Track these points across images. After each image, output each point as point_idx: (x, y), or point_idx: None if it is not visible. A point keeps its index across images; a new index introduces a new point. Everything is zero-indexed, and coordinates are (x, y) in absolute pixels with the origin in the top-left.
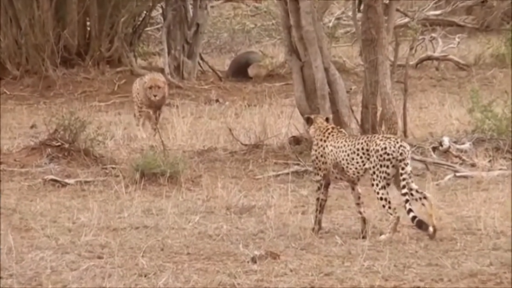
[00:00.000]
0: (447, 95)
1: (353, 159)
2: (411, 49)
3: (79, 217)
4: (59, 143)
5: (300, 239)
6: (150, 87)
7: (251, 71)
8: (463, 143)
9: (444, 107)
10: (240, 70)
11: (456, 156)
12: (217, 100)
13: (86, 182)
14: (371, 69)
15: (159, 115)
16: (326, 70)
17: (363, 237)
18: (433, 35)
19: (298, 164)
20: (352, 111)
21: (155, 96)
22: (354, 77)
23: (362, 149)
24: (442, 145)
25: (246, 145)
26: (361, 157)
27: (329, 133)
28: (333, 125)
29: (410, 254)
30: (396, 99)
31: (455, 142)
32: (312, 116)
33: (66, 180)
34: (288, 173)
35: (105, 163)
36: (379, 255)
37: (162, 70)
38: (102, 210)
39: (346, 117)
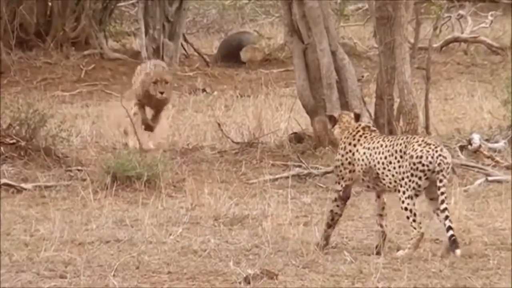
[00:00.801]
0: (477, 84)
1: (390, 163)
2: (434, 29)
3: (38, 228)
4: (14, 141)
5: (301, 255)
6: (155, 82)
7: (244, 55)
8: (497, 142)
9: (473, 98)
10: (231, 54)
11: (488, 157)
12: (203, 90)
13: (46, 187)
14: (387, 52)
15: (158, 116)
16: (334, 54)
17: (378, 253)
18: (461, 12)
19: (299, 166)
20: (365, 102)
21: (161, 93)
22: (367, 63)
23: (401, 151)
24: (471, 144)
25: (238, 143)
26: (399, 161)
27: (360, 134)
28: (364, 123)
29: (433, 274)
30: (416, 89)
31: (487, 140)
32: (336, 114)
33: (23, 185)
34: (287, 177)
35: (70, 165)
36: (395, 274)
37: (138, 54)
38: (66, 220)
39: (357, 109)
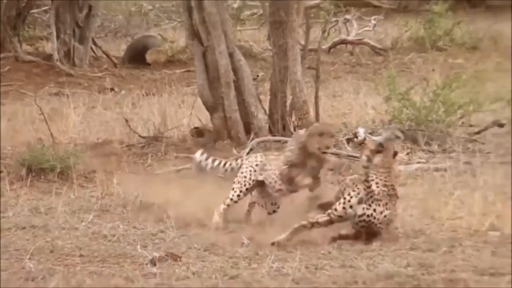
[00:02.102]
0: (362, 82)
1: None
2: (323, 32)
3: None
4: None
5: (203, 239)
6: (321, 134)
7: (149, 57)
8: (379, 135)
9: (359, 95)
10: (137, 56)
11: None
12: (112, 89)
13: None
14: (280, 54)
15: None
16: (231, 55)
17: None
18: (347, 17)
19: None
20: (260, 100)
21: (327, 147)
22: (262, 63)
23: None
24: (357, 137)
25: (144, 137)
26: None
27: None
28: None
29: (322, 255)
30: (307, 87)
31: (370, 133)
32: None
33: None
34: (190, 168)
35: None
36: (289, 256)
37: (50, 56)
38: None
39: (253, 106)
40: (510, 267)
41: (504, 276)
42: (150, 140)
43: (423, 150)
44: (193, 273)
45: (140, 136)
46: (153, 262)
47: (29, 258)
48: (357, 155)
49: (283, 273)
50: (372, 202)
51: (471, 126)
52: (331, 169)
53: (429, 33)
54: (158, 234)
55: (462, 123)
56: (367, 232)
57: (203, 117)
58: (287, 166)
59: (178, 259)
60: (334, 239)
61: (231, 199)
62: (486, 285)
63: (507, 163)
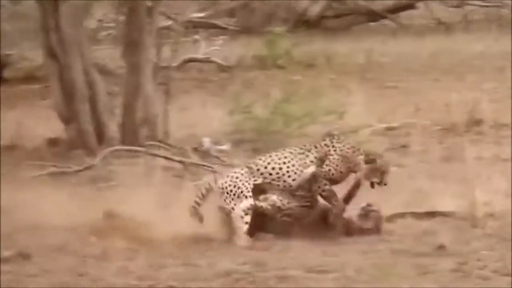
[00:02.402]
0: (208, 96)
1: None
2: (173, 51)
3: None
4: None
5: (54, 239)
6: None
7: (7, 73)
8: (223, 144)
9: (205, 108)
10: None
11: (215, 157)
12: None
13: None
14: (133, 71)
15: None
16: (87, 72)
17: None
18: (196, 37)
19: (55, 166)
20: (113, 112)
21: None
22: (116, 79)
23: None
24: (202, 146)
25: None
26: None
27: None
28: None
29: (166, 254)
30: (158, 101)
31: (215, 144)
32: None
33: None
34: (43, 175)
35: None
36: (135, 255)
37: None
38: None
39: (107, 118)
40: (335, 265)
41: (329, 274)
42: (6, 148)
43: None
44: (43, 271)
45: None
46: (4, 261)
47: None
48: (203, 163)
49: (129, 270)
50: None
51: (306, 136)
52: None
53: (270, 52)
54: (10, 234)
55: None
56: None
57: (58, 128)
58: None
59: (29, 258)
60: None
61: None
62: (314, 282)
63: None
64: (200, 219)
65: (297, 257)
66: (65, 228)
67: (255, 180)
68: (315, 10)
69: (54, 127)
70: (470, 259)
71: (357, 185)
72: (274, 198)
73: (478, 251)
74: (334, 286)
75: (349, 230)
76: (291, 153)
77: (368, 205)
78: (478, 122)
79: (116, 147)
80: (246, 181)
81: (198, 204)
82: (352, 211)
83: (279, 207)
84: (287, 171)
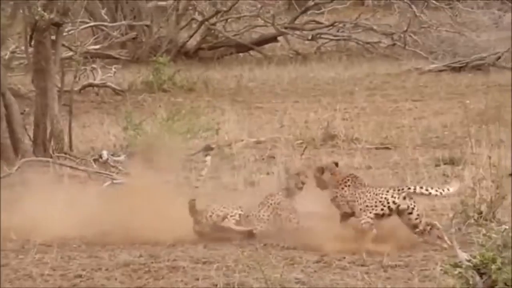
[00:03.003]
0: (105, 115)
1: None
2: (75, 77)
3: None
4: None
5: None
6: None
7: None
8: (119, 156)
9: (103, 125)
10: None
11: (113, 166)
12: None
13: None
14: (41, 94)
15: None
16: (3, 95)
17: None
18: (94, 65)
19: None
20: (26, 129)
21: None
22: (28, 101)
23: None
24: (101, 157)
25: None
26: None
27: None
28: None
29: (74, 248)
30: (63, 119)
31: (112, 155)
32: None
33: None
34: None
35: None
36: (48, 249)
37: None
38: None
39: (20, 134)
40: (218, 257)
41: (213, 264)
42: None
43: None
44: None
45: None
46: None
47: None
48: (103, 171)
49: (44, 262)
50: None
51: (188, 149)
52: None
53: (156, 78)
54: None
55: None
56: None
57: None
58: None
59: None
60: None
61: None
62: (200, 271)
63: (216, 178)
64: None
65: (185, 250)
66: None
67: None
68: (192, 43)
69: None
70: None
71: None
72: None
73: None
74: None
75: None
76: None
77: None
78: (332, 137)
79: (29, 158)
80: None
81: None
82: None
83: None
84: None
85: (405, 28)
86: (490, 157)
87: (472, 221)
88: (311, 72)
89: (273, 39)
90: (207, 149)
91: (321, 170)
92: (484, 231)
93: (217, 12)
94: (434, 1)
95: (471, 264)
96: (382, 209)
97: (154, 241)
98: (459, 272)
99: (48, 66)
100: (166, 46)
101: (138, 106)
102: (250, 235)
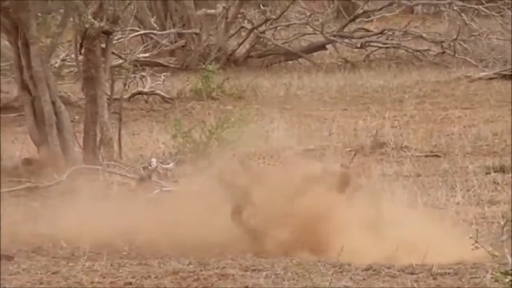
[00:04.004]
0: (154, 123)
1: None
2: (124, 85)
3: None
4: None
5: (31, 243)
6: None
7: None
8: (168, 164)
9: (152, 133)
10: None
11: (162, 174)
12: None
13: None
14: (91, 102)
15: None
16: (53, 103)
17: None
18: (143, 73)
19: (29, 181)
20: (76, 137)
21: None
22: (78, 109)
23: None
24: (150, 165)
25: None
26: None
27: None
28: None
29: (123, 255)
30: (112, 127)
31: (161, 163)
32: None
33: None
34: (20, 189)
35: None
36: (98, 256)
37: None
38: None
39: (71, 142)
40: (267, 264)
41: (262, 272)
42: None
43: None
44: (23, 270)
45: None
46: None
47: None
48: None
49: (94, 269)
50: None
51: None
52: None
53: (205, 86)
54: None
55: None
56: None
57: (32, 150)
58: None
59: (11, 259)
60: None
61: None
62: (249, 279)
63: None
64: None
65: (234, 257)
66: (40, 233)
67: None
68: (241, 51)
69: (29, 149)
70: None
71: None
72: None
73: None
74: None
75: None
76: None
77: None
78: (381, 145)
79: (79, 166)
80: None
81: None
82: None
83: None
84: None
85: (454, 36)
86: None
87: None
88: (360, 80)
89: (322, 47)
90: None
91: None
92: None
93: (266, 20)
94: (484, 9)
95: None
96: None
97: (203, 249)
98: (510, 280)
99: (98, 74)
100: (215, 54)
101: (187, 114)
102: None
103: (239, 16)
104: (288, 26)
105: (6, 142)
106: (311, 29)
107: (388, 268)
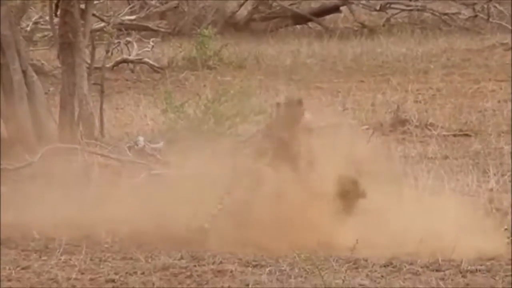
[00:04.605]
0: (142, 96)
1: None
2: (107, 52)
3: None
4: None
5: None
6: None
7: None
8: (157, 143)
9: (139, 108)
10: None
11: (151, 155)
12: None
13: None
14: (68, 71)
15: None
16: (24, 72)
17: None
18: (128, 39)
19: None
20: (51, 111)
21: None
22: (52, 79)
23: None
24: (137, 145)
25: None
26: None
27: None
28: None
29: (105, 248)
30: (93, 100)
31: (149, 142)
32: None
33: None
34: None
35: None
36: (76, 249)
37: None
38: None
39: (44, 117)
40: (270, 259)
41: (265, 268)
42: None
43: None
44: None
45: None
46: None
47: None
48: (138, 161)
49: (71, 264)
50: None
51: (238, 135)
52: None
53: (200, 53)
54: None
55: (230, 133)
56: None
57: None
58: None
59: None
60: None
61: None
62: (250, 276)
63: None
64: None
65: (232, 251)
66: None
67: None
68: (243, 13)
69: None
70: None
71: None
72: None
73: None
74: None
75: None
76: None
77: None
78: (403, 122)
79: (54, 145)
80: None
81: None
82: None
83: None
84: None
85: None
86: None
87: None
88: (378, 48)
89: (335, 9)
90: None
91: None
92: None
93: None
94: None
95: None
96: None
97: (197, 241)
98: None
99: (76, 39)
100: (212, 17)
101: (179, 85)
102: None
103: None
104: None
105: None
106: None
107: (410, 264)
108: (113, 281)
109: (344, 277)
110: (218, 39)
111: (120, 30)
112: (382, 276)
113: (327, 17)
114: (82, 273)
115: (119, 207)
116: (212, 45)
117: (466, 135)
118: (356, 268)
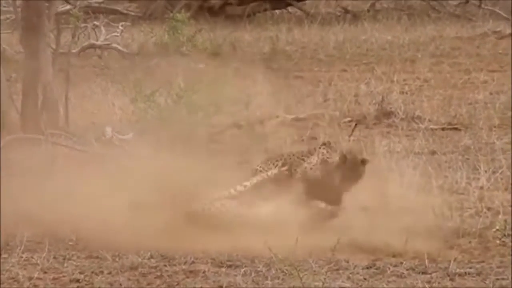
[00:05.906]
0: (110, 84)
1: None
2: (73, 37)
3: None
4: None
5: None
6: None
7: None
8: (126, 134)
9: (107, 96)
10: None
11: (118, 147)
12: None
13: None
14: (32, 56)
15: None
16: None
17: None
18: (96, 23)
19: None
20: (12, 99)
21: None
22: (15, 65)
23: None
24: (104, 135)
25: None
26: None
27: None
28: None
29: (70, 246)
30: (58, 88)
31: (117, 132)
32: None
33: None
34: None
35: None
36: (38, 247)
37: None
38: None
39: (5, 105)
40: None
41: (240, 268)
42: None
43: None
44: None
45: None
46: None
47: None
48: (104, 152)
49: (32, 262)
50: None
51: (211, 126)
52: None
53: (172, 39)
54: None
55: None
56: None
57: None
58: None
59: None
60: None
61: None
62: (224, 277)
63: (244, 162)
64: None
65: (206, 250)
66: None
67: None
68: None
69: None
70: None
71: None
72: None
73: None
74: None
75: None
76: None
77: None
78: (388, 114)
79: (16, 135)
80: None
81: None
82: None
83: None
84: None
85: None
86: None
87: None
88: (363, 35)
89: None
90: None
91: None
92: None
93: None
94: None
95: None
96: None
97: (167, 240)
98: None
99: (40, 22)
100: (186, 0)
101: (150, 72)
102: None
103: None
104: None
105: None
106: None
107: (395, 266)
108: (77, 281)
109: (324, 279)
110: (191, 24)
111: (87, 13)
112: (365, 279)
113: (308, 1)
114: (45, 272)
115: (84, 202)
116: (185, 30)
117: (456, 129)
118: (337, 269)
